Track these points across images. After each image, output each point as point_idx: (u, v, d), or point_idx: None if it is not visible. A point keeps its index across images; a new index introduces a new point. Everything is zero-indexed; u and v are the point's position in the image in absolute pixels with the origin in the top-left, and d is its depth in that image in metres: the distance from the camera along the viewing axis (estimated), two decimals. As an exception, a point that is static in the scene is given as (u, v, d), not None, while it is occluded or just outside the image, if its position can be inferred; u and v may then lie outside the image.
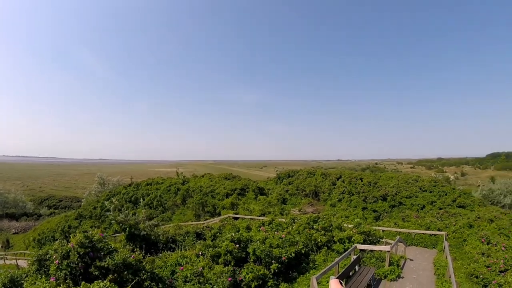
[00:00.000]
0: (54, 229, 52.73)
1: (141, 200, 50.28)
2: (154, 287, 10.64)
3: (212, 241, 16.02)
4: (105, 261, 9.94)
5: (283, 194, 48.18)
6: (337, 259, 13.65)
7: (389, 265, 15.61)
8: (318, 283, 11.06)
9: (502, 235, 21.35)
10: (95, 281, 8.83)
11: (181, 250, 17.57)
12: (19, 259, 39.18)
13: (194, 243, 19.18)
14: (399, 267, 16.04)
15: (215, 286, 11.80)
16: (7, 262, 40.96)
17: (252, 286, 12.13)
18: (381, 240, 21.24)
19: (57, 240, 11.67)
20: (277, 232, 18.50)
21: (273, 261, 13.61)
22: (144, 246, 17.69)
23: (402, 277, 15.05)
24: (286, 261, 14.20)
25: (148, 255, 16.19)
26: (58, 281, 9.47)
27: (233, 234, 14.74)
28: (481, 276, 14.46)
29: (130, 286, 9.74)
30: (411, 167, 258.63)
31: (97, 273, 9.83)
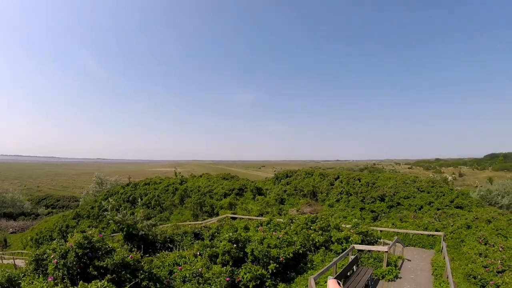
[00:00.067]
0: (52, 228, 52.63)
1: (139, 200, 50.17)
2: (152, 287, 10.63)
3: (210, 241, 16.01)
4: (104, 261, 9.93)
5: (281, 194, 48.19)
6: (335, 259, 13.66)
7: (387, 265, 15.63)
8: (316, 283, 11.07)
9: (500, 235, 21.42)
10: (93, 281, 8.82)
11: (179, 250, 17.54)
12: (16, 258, 39.03)
13: (192, 243, 19.15)
14: (397, 268, 16.07)
15: (213, 286, 11.80)
16: (5, 261, 40.88)
17: (250, 286, 12.15)
18: (379, 240, 21.26)
19: (54, 239, 11.65)
20: (275, 232, 18.50)
21: (271, 261, 13.63)
22: (142, 246, 17.66)
23: (400, 278, 15.07)
24: (284, 261, 14.20)
25: (146, 255, 16.19)
26: (56, 281, 9.45)
27: (231, 234, 14.75)
28: (479, 277, 14.49)
29: (128, 286, 9.74)
30: (409, 168, 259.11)
31: (95, 273, 9.83)
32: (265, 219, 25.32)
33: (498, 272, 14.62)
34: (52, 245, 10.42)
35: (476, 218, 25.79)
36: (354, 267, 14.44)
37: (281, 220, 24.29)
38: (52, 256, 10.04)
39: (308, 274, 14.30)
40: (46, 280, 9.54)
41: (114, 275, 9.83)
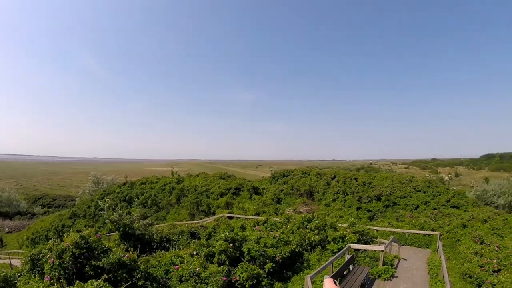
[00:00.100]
0: (48, 228, 52.43)
1: (136, 199, 50.10)
2: (148, 286, 10.62)
3: (206, 240, 16.00)
4: (100, 261, 9.91)
5: (277, 193, 48.22)
6: (331, 258, 13.67)
7: (383, 264, 15.67)
8: (312, 283, 11.08)
9: (496, 235, 21.52)
10: (89, 281, 8.80)
11: (175, 250, 17.53)
12: (12, 258, 38.85)
13: (188, 242, 19.15)
14: (393, 267, 16.10)
15: (209, 286, 11.79)
16: (1, 261, 40.61)
17: (247, 285, 12.14)
18: (375, 239, 21.30)
19: (51, 239, 11.62)
20: (271, 231, 18.50)
21: (267, 261, 13.62)
22: (138, 245, 17.63)
23: (396, 277, 15.11)
24: (280, 260, 14.21)
25: (143, 254, 16.17)
26: (52, 281, 9.43)
27: (228, 233, 14.74)
28: (475, 276, 14.54)
29: (124, 286, 9.72)
30: (405, 168, 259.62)
31: (91, 272, 9.80)
32: (262, 218, 25.32)
33: (494, 272, 14.67)
34: (49, 245, 10.40)
35: (472, 218, 25.89)
36: (351, 266, 14.45)
37: (278, 219, 24.31)
38: (48, 255, 10.01)
39: (304, 273, 14.31)
40: (42, 280, 9.51)
41: (110, 275, 9.81)
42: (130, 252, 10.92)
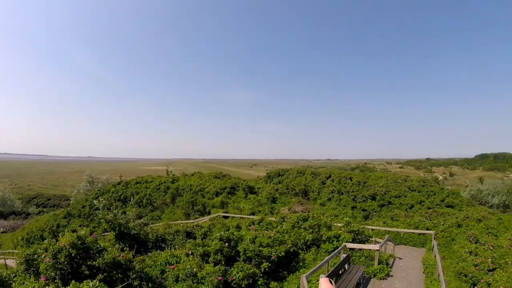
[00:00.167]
0: (43, 228, 52.12)
1: (131, 198, 49.95)
2: (144, 286, 10.58)
3: (202, 240, 15.95)
4: (95, 261, 9.87)
5: (273, 193, 48.26)
6: (326, 257, 13.71)
7: (379, 263, 15.73)
8: (308, 282, 11.12)
9: (490, 234, 21.67)
10: (84, 281, 8.76)
11: (171, 249, 17.46)
12: (7, 258, 38.63)
13: (184, 242, 19.07)
14: (388, 266, 16.18)
15: (205, 285, 11.76)
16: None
17: (243, 285, 12.15)
18: (370, 239, 21.39)
19: (45, 239, 11.57)
20: (267, 231, 18.50)
21: (263, 260, 13.64)
22: (133, 245, 17.55)
23: (391, 276, 15.18)
24: (276, 260, 14.23)
25: (138, 254, 16.10)
26: (47, 281, 9.38)
27: (223, 233, 14.75)
28: (470, 275, 14.64)
29: (120, 287, 9.68)
30: (400, 167, 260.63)
31: (87, 272, 9.76)
32: (257, 218, 25.31)
33: (489, 270, 14.77)
34: (44, 245, 10.34)
35: (466, 217, 26.04)
36: (346, 265, 14.50)
37: (273, 219, 24.32)
38: (44, 255, 9.96)
39: (300, 272, 14.34)
40: (37, 280, 9.46)
41: (105, 275, 9.77)
42: (126, 252, 10.88)
